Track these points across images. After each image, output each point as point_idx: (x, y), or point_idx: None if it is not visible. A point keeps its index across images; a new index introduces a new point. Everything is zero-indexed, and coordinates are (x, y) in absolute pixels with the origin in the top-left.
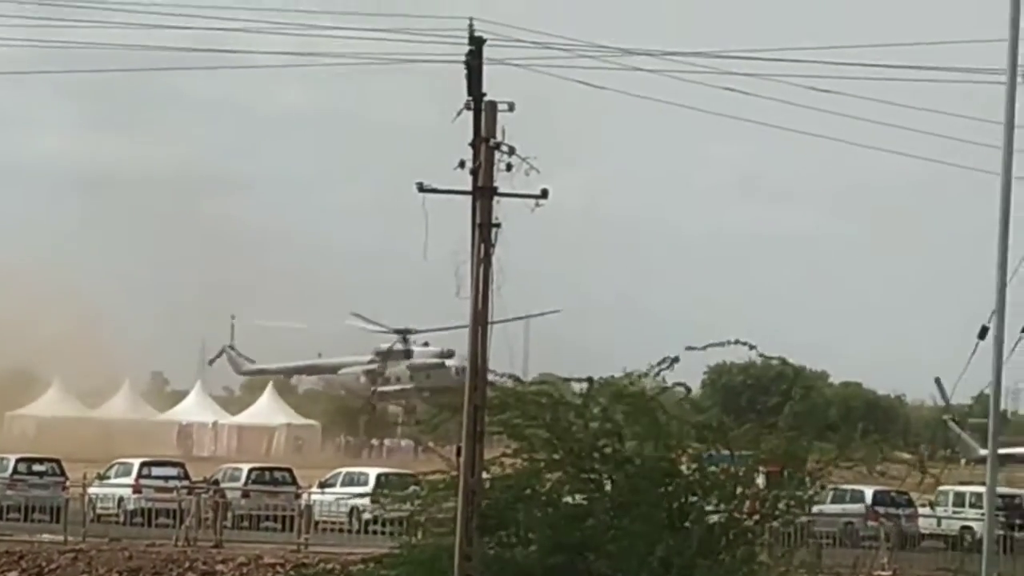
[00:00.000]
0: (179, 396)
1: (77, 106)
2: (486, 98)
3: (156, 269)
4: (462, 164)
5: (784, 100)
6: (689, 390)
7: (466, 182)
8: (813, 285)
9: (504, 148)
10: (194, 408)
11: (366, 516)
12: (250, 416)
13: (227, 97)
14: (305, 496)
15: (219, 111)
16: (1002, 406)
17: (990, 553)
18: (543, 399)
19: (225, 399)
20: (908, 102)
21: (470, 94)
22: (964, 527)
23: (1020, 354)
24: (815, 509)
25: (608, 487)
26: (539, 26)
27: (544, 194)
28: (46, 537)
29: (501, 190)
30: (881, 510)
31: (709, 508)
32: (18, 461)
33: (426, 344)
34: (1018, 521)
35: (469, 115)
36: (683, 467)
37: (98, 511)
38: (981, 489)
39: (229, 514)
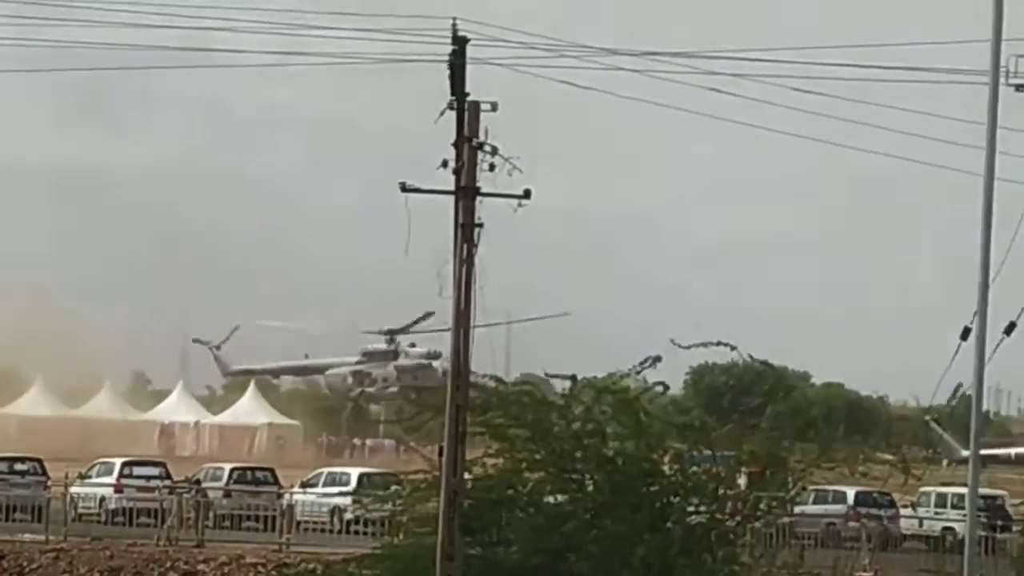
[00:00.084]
0: (161, 395)
1: (61, 105)
2: (469, 98)
3: (138, 268)
4: (445, 164)
5: (766, 100)
6: (667, 388)
7: (449, 182)
8: (794, 285)
9: (487, 148)
10: (176, 408)
11: (348, 516)
12: (232, 416)
13: (213, 96)
14: (287, 496)
15: (205, 110)
16: (984, 407)
17: (972, 554)
18: (525, 399)
19: (207, 399)
20: (890, 102)
21: (453, 94)
22: (946, 528)
23: (1002, 355)
24: (797, 510)
25: (590, 487)
26: (523, 26)
27: (527, 194)
28: (27, 537)
29: (484, 190)
30: (863, 511)
31: (691, 509)
32: None
33: (413, 345)
34: (1000, 522)
35: (452, 115)
36: (665, 467)
37: (79, 510)
38: (963, 490)
39: (211, 514)
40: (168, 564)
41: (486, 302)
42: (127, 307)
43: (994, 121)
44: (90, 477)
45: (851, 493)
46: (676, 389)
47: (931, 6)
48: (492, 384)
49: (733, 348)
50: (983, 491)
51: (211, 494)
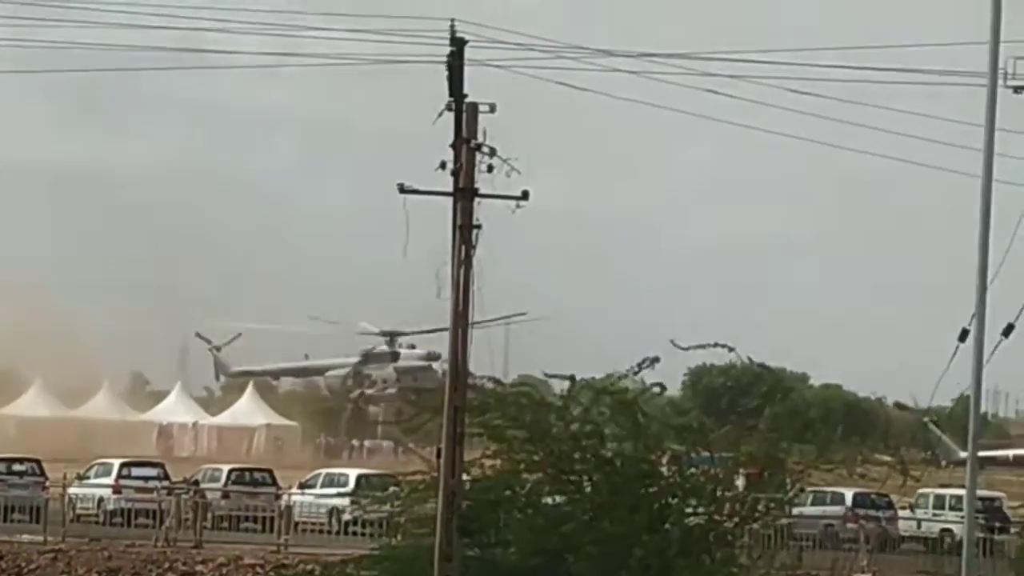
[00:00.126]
0: (159, 396)
1: (58, 105)
2: (467, 99)
3: (136, 269)
4: (443, 165)
5: (762, 102)
6: (664, 388)
7: (447, 183)
8: (792, 286)
9: (485, 149)
10: (174, 408)
11: (346, 517)
12: (230, 417)
13: (209, 97)
14: (285, 497)
15: (201, 111)
16: (982, 409)
17: (970, 556)
18: (524, 400)
19: (205, 400)
20: (887, 104)
21: (451, 95)
22: (944, 530)
23: (1000, 357)
24: (795, 511)
25: (588, 488)
26: (519, 27)
27: (525, 195)
28: (25, 537)
29: (482, 191)
30: (861, 512)
31: (689, 510)
32: None
33: (412, 346)
34: (998, 524)
35: (450, 116)
36: (663, 469)
37: (78, 511)
38: (961, 492)
39: (209, 515)
40: (166, 565)
41: (484, 303)
42: (125, 307)
43: (992, 123)
44: (88, 478)
45: (849, 494)
46: (674, 390)
47: (929, 7)
48: (490, 385)
49: (731, 349)
50: (981, 493)
51: (209, 495)
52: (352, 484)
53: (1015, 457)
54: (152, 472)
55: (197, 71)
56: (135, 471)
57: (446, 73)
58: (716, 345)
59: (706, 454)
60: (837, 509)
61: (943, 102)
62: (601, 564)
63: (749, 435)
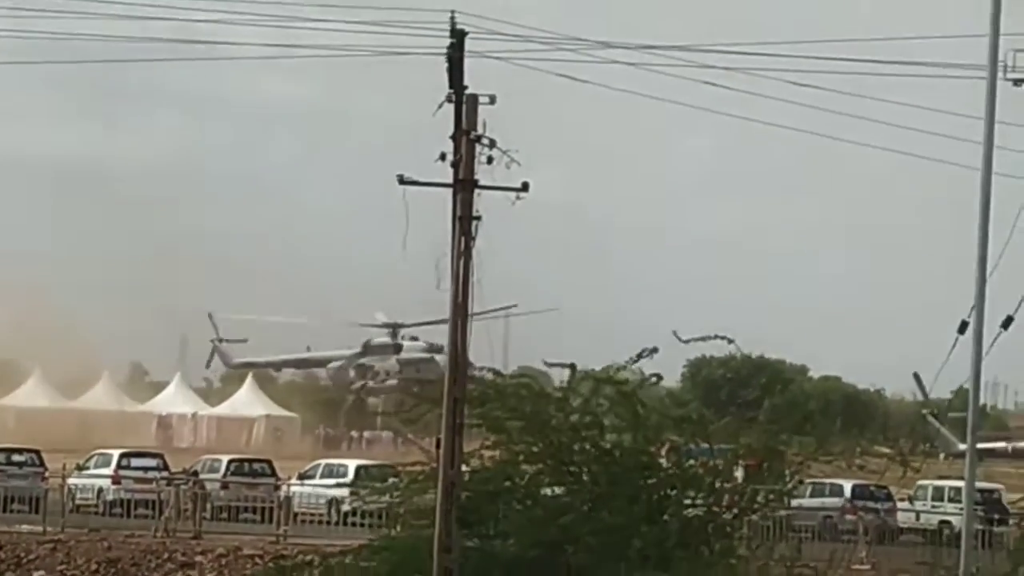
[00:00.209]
0: (158, 387)
1: (57, 97)
2: (467, 91)
3: (136, 260)
4: (443, 157)
5: (761, 93)
6: (660, 378)
7: (447, 175)
8: (791, 278)
9: (485, 141)
10: (173, 399)
11: (345, 508)
12: (229, 407)
13: (209, 89)
14: (284, 488)
15: (201, 103)
16: (981, 401)
17: (968, 547)
18: (523, 391)
19: (204, 390)
20: (887, 96)
21: (451, 87)
22: (943, 521)
23: (999, 349)
24: (794, 503)
25: (587, 479)
26: (518, 19)
27: (525, 187)
28: (25, 528)
29: (482, 183)
30: (860, 504)
31: (688, 501)
32: None
33: (415, 338)
34: (996, 516)
35: (450, 108)
36: (662, 460)
37: (77, 502)
38: (960, 484)
39: (208, 505)
40: (165, 555)
41: (484, 295)
42: (125, 298)
43: (992, 115)
44: (88, 468)
45: (848, 486)
46: (674, 382)
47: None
48: (490, 376)
49: (731, 341)
50: (980, 485)
51: (208, 486)
52: (351, 475)
53: (1014, 449)
54: (151, 463)
55: (196, 63)
56: (134, 462)
57: (446, 65)
58: (716, 337)
59: (705, 445)
60: (836, 501)
61: (943, 94)
62: (600, 555)
63: (748, 427)
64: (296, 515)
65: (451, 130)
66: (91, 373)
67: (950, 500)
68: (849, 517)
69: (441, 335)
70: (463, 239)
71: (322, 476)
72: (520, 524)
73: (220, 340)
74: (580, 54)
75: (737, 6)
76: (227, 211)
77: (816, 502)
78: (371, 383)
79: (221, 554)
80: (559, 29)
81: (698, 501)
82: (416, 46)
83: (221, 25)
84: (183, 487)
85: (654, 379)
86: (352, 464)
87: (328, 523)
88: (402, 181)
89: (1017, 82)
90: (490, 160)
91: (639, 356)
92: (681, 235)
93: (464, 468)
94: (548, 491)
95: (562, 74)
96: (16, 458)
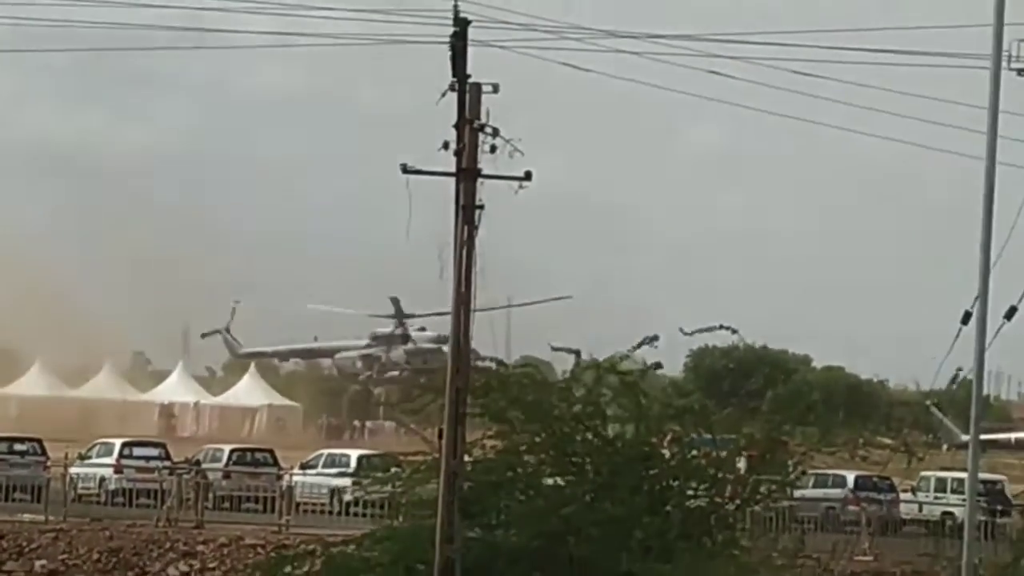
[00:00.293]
0: (161, 376)
1: (56, 85)
2: (470, 80)
3: (138, 249)
4: (446, 146)
5: (768, 84)
6: (660, 366)
7: (450, 164)
8: (796, 269)
9: (488, 130)
10: (176, 388)
11: (347, 498)
12: (232, 397)
13: (211, 76)
14: (286, 477)
15: (203, 90)
16: (984, 391)
17: (971, 539)
18: (526, 381)
19: (207, 380)
20: (892, 86)
21: (455, 75)
22: (946, 513)
23: (1003, 339)
24: (796, 494)
25: (589, 470)
26: (523, 7)
27: (528, 176)
28: (27, 517)
29: (485, 172)
30: (863, 495)
31: (690, 492)
32: None
33: (423, 329)
34: (999, 507)
35: (453, 96)
36: (665, 451)
37: (79, 491)
38: (963, 475)
39: (210, 495)
40: (167, 545)
41: (487, 284)
42: (127, 287)
43: (996, 105)
44: (90, 457)
45: (851, 477)
46: (676, 372)
47: None
48: (493, 366)
49: (734, 331)
50: (983, 476)
51: (211, 475)
52: (354, 465)
53: (1017, 440)
54: (153, 452)
55: (199, 51)
56: (136, 451)
57: (449, 53)
58: (720, 327)
59: (708, 436)
60: (839, 492)
61: (948, 85)
62: (602, 545)
63: (751, 417)
64: (298, 505)
65: (454, 119)
66: (93, 362)
67: (953, 491)
68: (852, 508)
69: (447, 326)
70: (466, 228)
71: (324, 466)
72: (522, 514)
73: (227, 329)
74: (585, 43)
75: None
76: (229, 196)
77: (819, 493)
78: (376, 375)
79: (223, 544)
80: (564, 18)
81: (700, 492)
82: (419, 35)
83: (225, 13)
84: (185, 476)
85: (654, 367)
86: (354, 454)
87: (330, 513)
88: (405, 170)
89: (1021, 72)
90: (493, 149)
91: (640, 344)
92: (686, 224)
93: (466, 458)
94: (550, 481)
95: (566, 63)
96: (18, 447)
